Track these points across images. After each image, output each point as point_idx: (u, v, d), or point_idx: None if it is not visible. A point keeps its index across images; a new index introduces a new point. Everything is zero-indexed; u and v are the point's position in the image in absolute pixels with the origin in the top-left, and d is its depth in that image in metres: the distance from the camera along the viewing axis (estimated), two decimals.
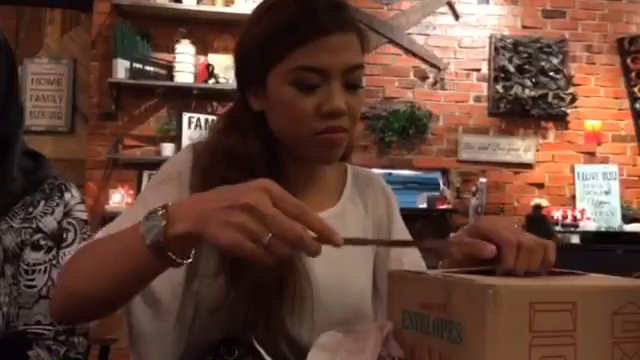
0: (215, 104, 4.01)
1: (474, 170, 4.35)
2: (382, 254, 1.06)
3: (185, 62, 3.85)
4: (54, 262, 1.13)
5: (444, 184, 4.27)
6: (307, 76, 0.89)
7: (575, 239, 4.03)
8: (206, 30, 4.00)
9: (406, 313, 0.73)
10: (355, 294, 1.00)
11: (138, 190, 3.80)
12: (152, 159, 3.78)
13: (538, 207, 4.24)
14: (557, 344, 0.63)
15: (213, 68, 3.90)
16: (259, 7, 0.96)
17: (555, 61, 4.45)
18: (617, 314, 0.65)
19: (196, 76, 3.90)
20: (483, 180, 4.23)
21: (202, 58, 3.97)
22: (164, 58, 3.94)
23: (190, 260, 0.71)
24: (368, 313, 1.01)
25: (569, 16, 4.55)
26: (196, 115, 3.79)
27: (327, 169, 1.04)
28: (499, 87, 4.38)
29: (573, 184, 4.47)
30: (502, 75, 4.40)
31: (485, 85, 4.43)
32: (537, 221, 4.20)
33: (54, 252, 1.13)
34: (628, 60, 4.54)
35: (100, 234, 0.91)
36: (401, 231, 1.11)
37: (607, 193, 4.40)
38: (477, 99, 4.41)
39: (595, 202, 4.40)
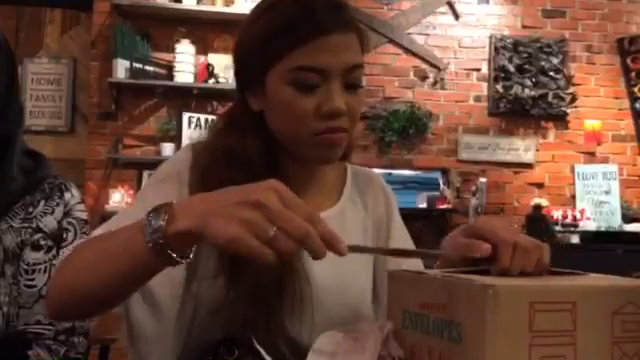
0: (215, 104, 4.01)
1: (474, 170, 4.35)
2: (381, 255, 1.06)
3: (185, 62, 3.85)
4: (54, 262, 1.13)
5: (444, 184, 4.27)
6: (307, 76, 0.88)
7: (575, 239, 4.04)
8: (206, 30, 4.00)
9: (406, 313, 0.73)
10: (355, 294, 1.00)
11: (138, 190, 3.80)
12: (152, 159, 3.78)
13: (538, 207, 4.24)
14: (557, 344, 0.63)
15: (213, 68, 3.90)
16: (258, 6, 0.96)
17: (555, 61, 4.45)
18: (617, 314, 0.65)
19: (196, 76, 3.91)
20: (483, 180, 4.23)
21: (202, 58, 3.97)
22: (164, 58, 3.94)
23: (189, 259, 0.70)
24: (368, 313, 1.01)
25: (569, 16, 4.55)
26: (196, 115, 3.79)
27: (327, 169, 1.04)
28: (499, 87, 4.39)
29: (573, 184, 4.47)
30: (502, 75, 4.40)
31: (485, 85, 4.43)
32: (537, 221, 4.20)
33: (54, 252, 1.13)
34: (628, 60, 4.54)
35: (99, 231, 0.90)
36: (400, 230, 1.11)
37: (607, 193, 4.41)
38: (477, 99, 4.42)
39: (595, 202, 4.40)
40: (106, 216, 3.61)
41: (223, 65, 3.90)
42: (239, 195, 0.64)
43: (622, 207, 4.38)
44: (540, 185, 4.44)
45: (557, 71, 4.45)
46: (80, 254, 0.81)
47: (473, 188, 4.20)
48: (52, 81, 4.37)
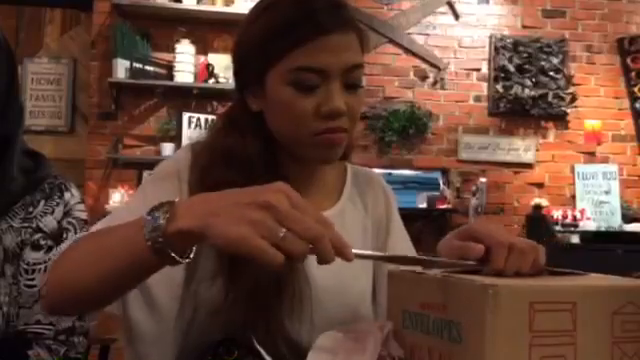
0: (215, 104, 4.01)
1: (474, 170, 4.35)
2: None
3: (185, 62, 3.85)
4: None
5: (444, 184, 4.27)
6: (306, 77, 0.88)
7: (575, 239, 4.04)
8: (206, 30, 4.00)
9: (406, 313, 0.73)
10: (355, 295, 1.00)
11: None
12: (152, 159, 3.78)
13: (538, 207, 4.24)
14: (557, 344, 0.63)
15: (213, 68, 3.90)
16: (257, 6, 0.95)
17: (555, 61, 4.45)
18: (617, 314, 0.65)
19: (196, 76, 3.91)
20: (483, 180, 4.23)
21: (202, 58, 3.97)
22: (164, 58, 3.94)
23: (189, 260, 0.69)
24: (367, 314, 1.01)
25: (569, 16, 4.55)
26: (196, 115, 3.79)
27: (327, 169, 1.04)
28: (499, 87, 4.39)
29: (573, 184, 4.47)
30: (502, 75, 4.40)
31: (485, 85, 4.43)
32: (537, 221, 4.20)
33: (54, 252, 1.13)
34: (628, 60, 4.54)
35: (98, 226, 0.90)
36: (399, 230, 1.11)
37: (607, 193, 4.40)
38: (477, 99, 4.42)
39: (595, 202, 4.40)
40: (106, 216, 3.61)
41: (223, 65, 3.90)
42: (246, 196, 0.63)
43: (622, 207, 4.38)
44: (540, 185, 4.44)
45: (557, 71, 4.45)
46: (78, 249, 0.80)
47: (473, 188, 4.21)
48: (52, 81, 4.37)
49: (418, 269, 0.77)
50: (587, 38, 4.56)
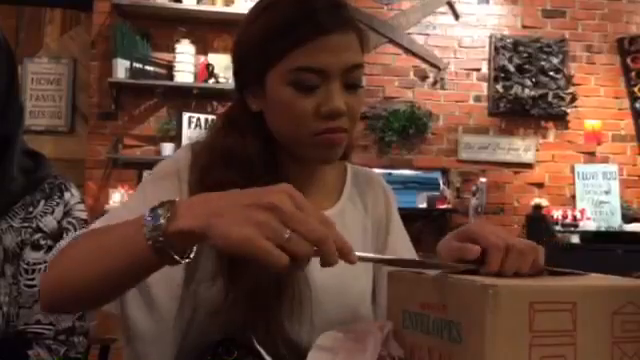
0: (215, 104, 4.01)
1: (474, 170, 4.35)
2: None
3: (185, 62, 3.85)
4: None
5: (444, 184, 4.27)
6: (306, 77, 0.88)
7: (575, 239, 4.04)
8: (206, 30, 4.00)
9: (406, 313, 0.73)
10: (355, 295, 1.00)
11: None
12: (152, 159, 3.77)
13: (538, 207, 4.24)
14: (557, 344, 0.63)
15: (213, 68, 3.90)
16: (256, 6, 0.95)
17: (555, 61, 4.45)
18: (617, 314, 0.65)
19: (196, 76, 3.91)
20: (483, 180, 4.23)
21: (202, 58, 3.97)
22: (164, 58, 3.94)
23: (189, 260, 0.69)
24: (367, 314, 1.00)
25: (569, 16, 4.55)
26: (196, 115, 3.79)
27: (327, 169, 1.04)
28: (499, 87, 4.38)
29: (573, 184, 4.47)
30: (502, 75, 4.40)
31: (485, 85, 4.43)
32: (537, 221, 4.20)
33: (54, 251, 1.13)
34: (628, 60, 4.54)
35: (97, 224, 0.90)
36: (399, 230, 1.11)
37: (607, 193, 4.40)
38: (477, 99, 4.42)
39: (595, 202, 4.40)
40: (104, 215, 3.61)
41: (223, 65, 3.89)
42: (249, 197, 0.63)
43: (622, 207, 4.38)
44: (540, 185, 4.44)
45: (557, 71, 4.45)
46: (77, 247, 0.79)
47: (473, 188, 4.21)
48: (52, 81, 4.37)
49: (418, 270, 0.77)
50: (587, 38, 4.56)
